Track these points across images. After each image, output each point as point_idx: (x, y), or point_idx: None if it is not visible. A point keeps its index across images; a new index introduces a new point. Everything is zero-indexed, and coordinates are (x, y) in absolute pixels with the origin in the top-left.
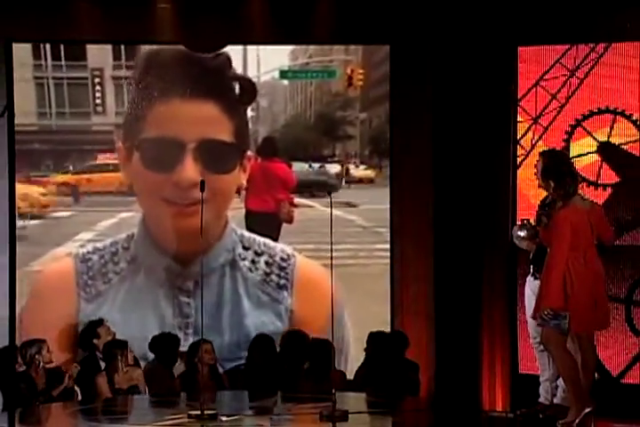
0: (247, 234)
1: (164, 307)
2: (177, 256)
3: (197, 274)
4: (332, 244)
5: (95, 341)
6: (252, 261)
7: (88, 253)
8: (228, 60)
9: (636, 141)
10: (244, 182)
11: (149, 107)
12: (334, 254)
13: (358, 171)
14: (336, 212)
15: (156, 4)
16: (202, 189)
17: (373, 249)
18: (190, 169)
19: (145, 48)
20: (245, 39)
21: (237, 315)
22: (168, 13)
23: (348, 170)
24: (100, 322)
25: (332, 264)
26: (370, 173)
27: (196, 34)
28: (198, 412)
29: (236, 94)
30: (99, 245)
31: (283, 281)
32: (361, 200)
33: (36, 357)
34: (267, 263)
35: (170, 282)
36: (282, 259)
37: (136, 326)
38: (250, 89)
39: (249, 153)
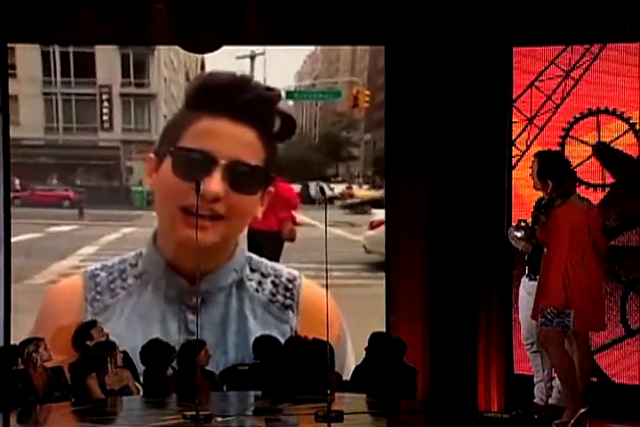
0: (255, 257)
1: (170, 323)
2: (186, 273)
3: (204, 291)
4: (327, 245)
5: (88, 342)
6: (259, 283)
7: (97, 269)
8: (279, 95)
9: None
10: (260, 215)
11: (194, 120)
12: (336, 274)
13: (361, 191)
14: (340, 232)
15: (153, 6)
16: (197, 190)
17: (376, 270)
18: (216, 183)
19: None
20: (241, 40)
21: (243, 334)
22: (164, 14)
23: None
24: (94, 324)
25: (327, 266)
26: (373, 193)
27: (192, 35)
28: (193, 413)
29: (275, 129)
30: (107, 262)
31: (288, 301)
32: (364, 221)
33: (34, 355)
34: (273, 284)
35: (177, 298)
36: (288, 280)
37: (142, 340)
38: (289, 127)
39: (271, 188)
